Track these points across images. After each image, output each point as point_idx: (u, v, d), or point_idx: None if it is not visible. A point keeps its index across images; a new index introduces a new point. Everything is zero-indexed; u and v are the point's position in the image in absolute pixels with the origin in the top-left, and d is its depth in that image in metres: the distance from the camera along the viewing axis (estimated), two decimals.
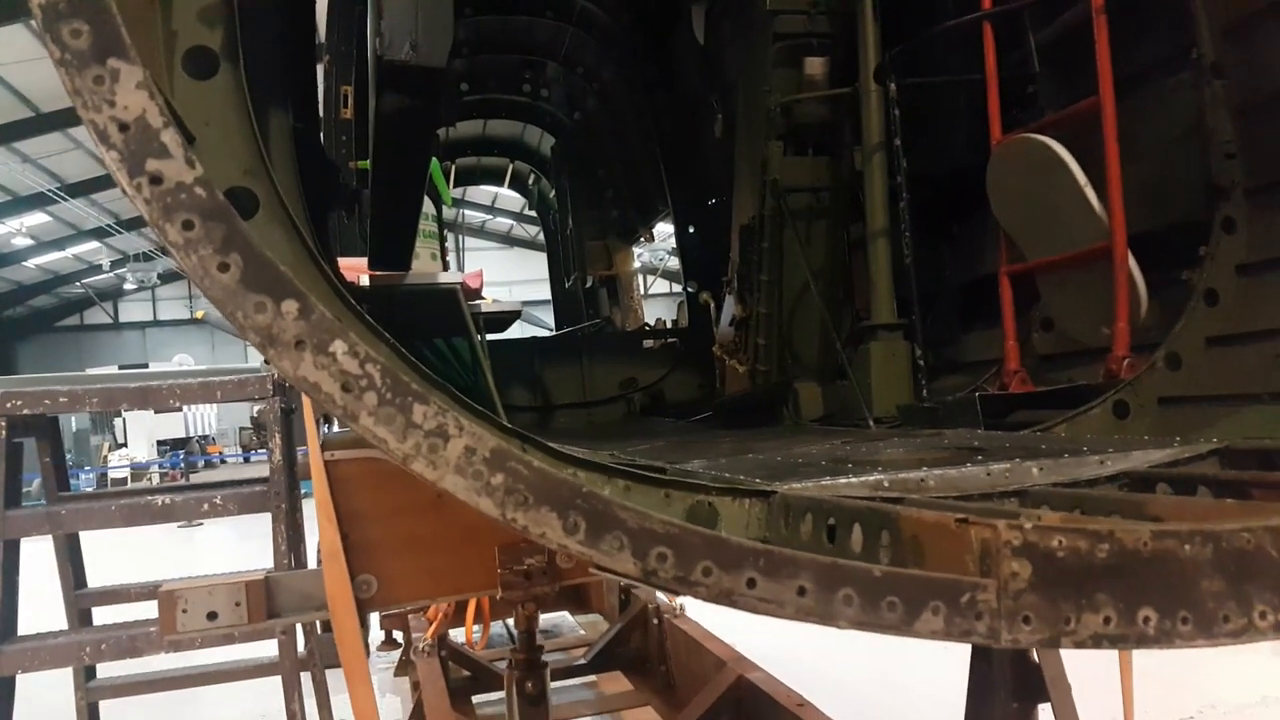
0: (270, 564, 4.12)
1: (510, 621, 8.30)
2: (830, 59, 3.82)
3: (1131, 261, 2.69)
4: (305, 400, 2.96)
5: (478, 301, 4.29)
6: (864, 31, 3.58)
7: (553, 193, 9.07)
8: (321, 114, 4.22)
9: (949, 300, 3.69)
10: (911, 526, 1.19)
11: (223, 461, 34.35)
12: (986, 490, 1.73)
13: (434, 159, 3.40)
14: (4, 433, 3.44)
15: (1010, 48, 3.27)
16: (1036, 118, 3.20)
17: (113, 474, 25.78)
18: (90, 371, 26.98)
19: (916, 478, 1.75)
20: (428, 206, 3.43)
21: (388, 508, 2.60)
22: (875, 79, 3.41)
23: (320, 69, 4.19)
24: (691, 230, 6.13)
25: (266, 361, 1.05)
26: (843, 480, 1.77)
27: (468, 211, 35.92)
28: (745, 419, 4.02)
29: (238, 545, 14.20)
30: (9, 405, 3.36)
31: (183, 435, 31.21)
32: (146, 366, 32.23)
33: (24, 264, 36.30)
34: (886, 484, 1.74)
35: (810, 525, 1.56)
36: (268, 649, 4.27)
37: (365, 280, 3.28)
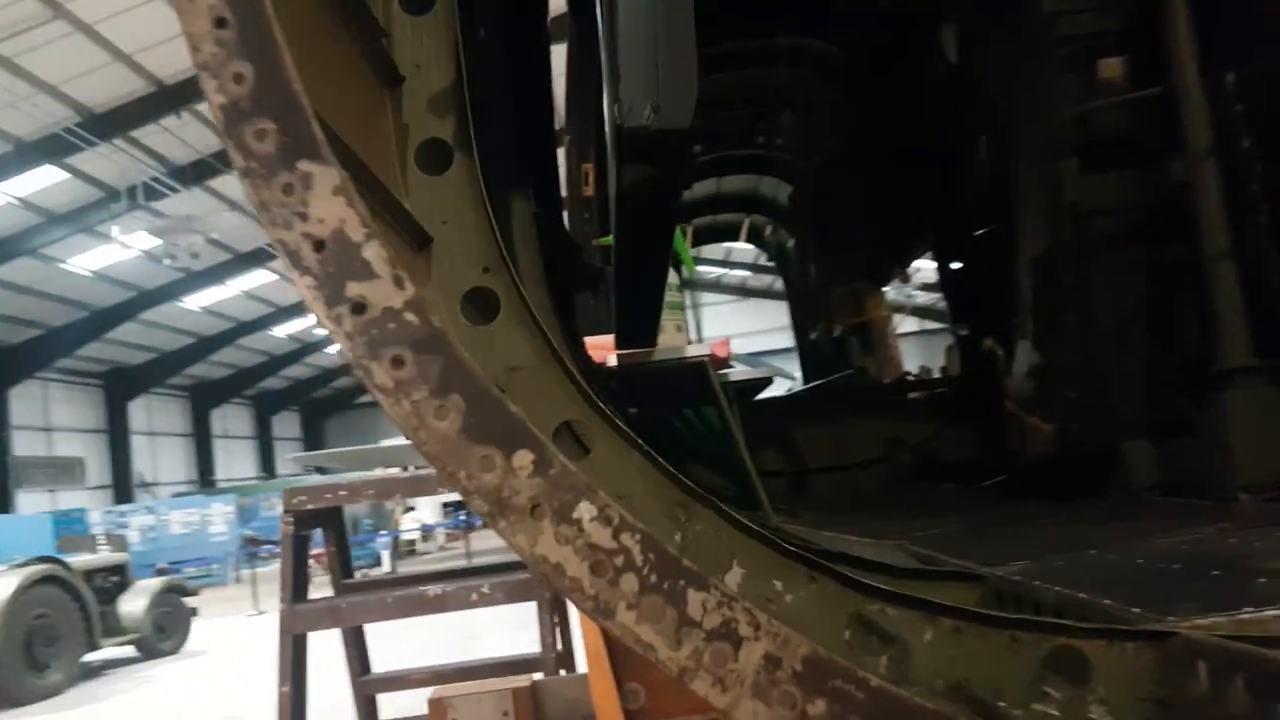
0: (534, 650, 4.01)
1: None
2: (1128, 57, 3.21)
3: None
4: None
5: (725, 370, 4.03)
6: (1173, 18, 2.96)
7: (792, 242, 8.74)
8: (566, 194, 4.19)
9: None
10: None
11: None
12: None
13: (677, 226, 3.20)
14: (291, 528, 3.58)
15: None
16: None
17: (404, 535, 28.18)
18: (384, 443, 29.83)
19: None
20: (672, 277, 3.22)
21: None
22: (1202, 73, 2.79)
23: (561, 150, 4.17)
24: (956, 266, 5.52)
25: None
26: (1269, 612, 1.25)
27: (701, 268, 36.40)
28: (1054, 488, 3.40)
29: None
30: (294, 502, 3.50)
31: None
32: None
33: (325, 351, 41.31)
34: None
35: (1242, 692, 1.08)
36: None
37: (613, 360, 3.11)
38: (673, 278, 3.18)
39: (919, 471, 4.97)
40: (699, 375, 3.00)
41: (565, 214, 4.07)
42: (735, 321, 36.01)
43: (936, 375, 7.12)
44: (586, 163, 4.05)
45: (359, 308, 0.81)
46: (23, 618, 10.11)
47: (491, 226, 1.59)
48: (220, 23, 0.84)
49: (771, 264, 11.10)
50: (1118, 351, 3.18)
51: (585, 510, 0.78)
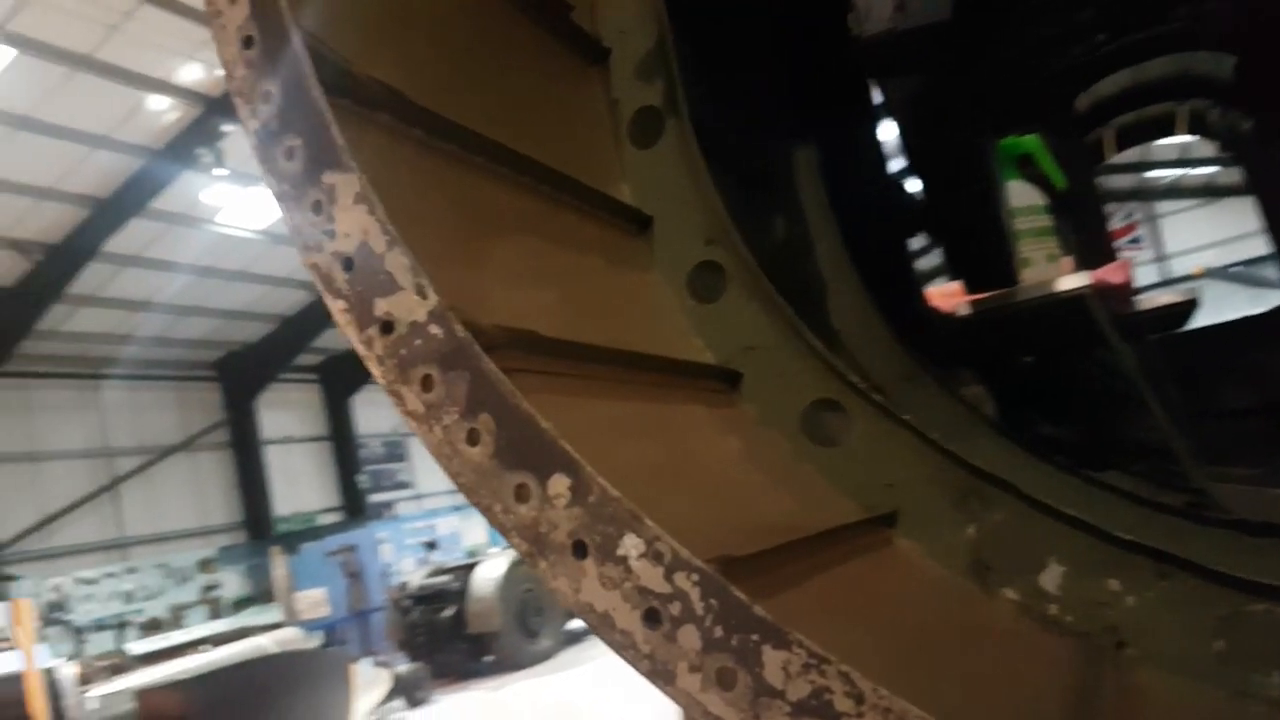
0: None
1: None
2: None
3: None
4: None
5: (1133, 298, 3.29)
6: None
7: (1249, 123, 7.04)
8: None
9: None
10: None
11: None
12: None
13: (1032, 137, 2.67)
14: None
15: None
16: None
17: None
18: None
19: None
20: (1034, 198, 2.70)
21: None
22: None
23: None
24: None
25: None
26: None
27: (1152, 173, 31.06)
28: None
29: None
30: None
31: None
32: None
33: None
34: None
35: None
36: None
37: (965, 309, 2.69)
38: (1039, 198, 2.67)
39: None
40: (1080, 311, 2.46)
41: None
42: (1206, 229, 30.22)
43: None
44: None
45: (387, 326, 0.73)
46: (515, 592, 12.00)
47: (711, 194, 1.42)
48: (248, 42, 0.81)
49: (1229, 154, 9.13)
50: None
51: (631, 545, 0.61)
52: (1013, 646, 1.12)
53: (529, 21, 1.40)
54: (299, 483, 22.53)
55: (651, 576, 0.60)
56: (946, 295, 2.92)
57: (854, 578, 1.20)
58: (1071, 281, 2.66)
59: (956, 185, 1.93)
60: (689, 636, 0.59)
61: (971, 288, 2.69)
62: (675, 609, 0.60)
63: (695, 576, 0.59)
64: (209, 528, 20.62)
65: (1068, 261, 2.98)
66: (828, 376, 1.34)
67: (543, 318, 1.12)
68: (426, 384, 0.71)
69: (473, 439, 0.68)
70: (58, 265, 15.11)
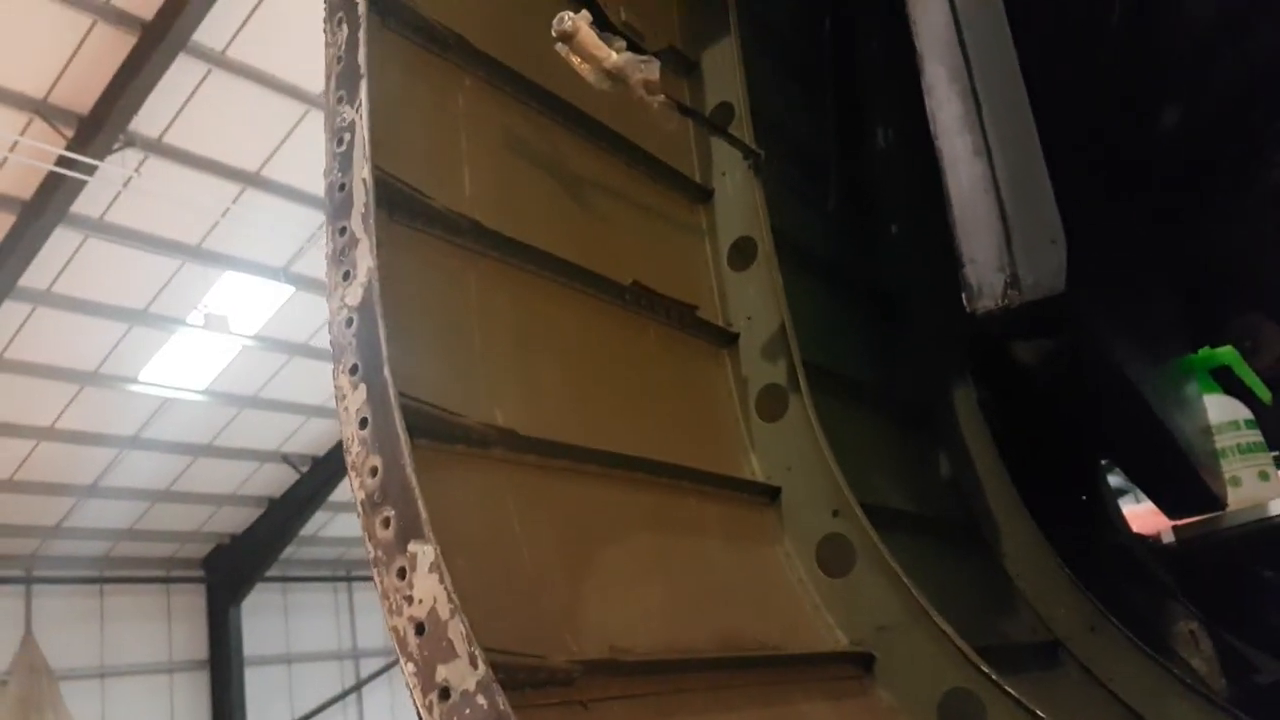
0: None
1: None
2: None
3: None
4: None
5: None
6: None
7: None
8: None
9: None
10: None
11: None
12: None
13: (1228, 349, 2.47)
14: None
15: None
16: None
17: None
18: None
19: None
20: (1237, 412, 2.45)
21: None
22: None
23: None
24: None
25: None
26: None
27: None
28: None
29: None
30: None
31: None
32: None
33: None
34: None
35: None
36: None
37: (1169, 535, 2.41)
38: (1244, 413, 2.44)
39: None
40: None
41: None
42: None
43: None
44: None
45: (444, 693, 0.78)
46: None
47: (833, 466, 1.43)
48: (363, 423, 0.95)
49: None
50: None
51: None
52: None
53: (656, 324, 1.52)
54: None
55: None
56: (1150, 517, 2.64)
57: None
58: None
59: (1128, 415, 1.80)
60: None
61: (1171, 512, 2.43)
62: None
63: None
64: None
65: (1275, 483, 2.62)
66: (963, 662, 1.25)
67: (650, 624, 1.15)
68: None
69: None
70: (320, 475, 16.81)
